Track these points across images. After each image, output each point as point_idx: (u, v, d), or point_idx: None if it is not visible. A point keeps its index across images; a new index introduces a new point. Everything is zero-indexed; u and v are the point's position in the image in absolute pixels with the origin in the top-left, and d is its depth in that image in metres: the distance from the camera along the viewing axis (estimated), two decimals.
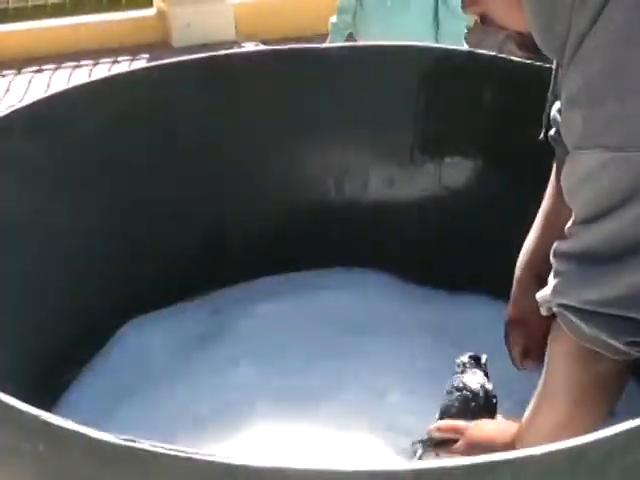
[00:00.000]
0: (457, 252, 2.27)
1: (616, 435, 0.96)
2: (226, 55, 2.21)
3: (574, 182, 1.27)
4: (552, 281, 1.32)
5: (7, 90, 5.79)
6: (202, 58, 2.16)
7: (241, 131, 2.24)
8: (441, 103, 2.21)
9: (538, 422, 1.45)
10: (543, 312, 1.37)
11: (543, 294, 1.36)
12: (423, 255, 2.30)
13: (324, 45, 2.26)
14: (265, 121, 2.25)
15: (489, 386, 1.73)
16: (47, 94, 1.97)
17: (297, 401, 1.93)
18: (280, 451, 1.78)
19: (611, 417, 1.37)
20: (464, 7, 1.43)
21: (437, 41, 3.79)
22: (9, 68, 6.03)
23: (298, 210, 2.35)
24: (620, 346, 1.26)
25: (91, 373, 2.04)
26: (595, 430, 1.25)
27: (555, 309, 1.33)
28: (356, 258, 2.36)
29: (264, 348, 2.11)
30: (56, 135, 1.93)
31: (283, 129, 2.26)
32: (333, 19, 4.11)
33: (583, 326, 1.28)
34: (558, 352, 1.40)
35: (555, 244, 1.31)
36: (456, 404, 1.71)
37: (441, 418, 1.70)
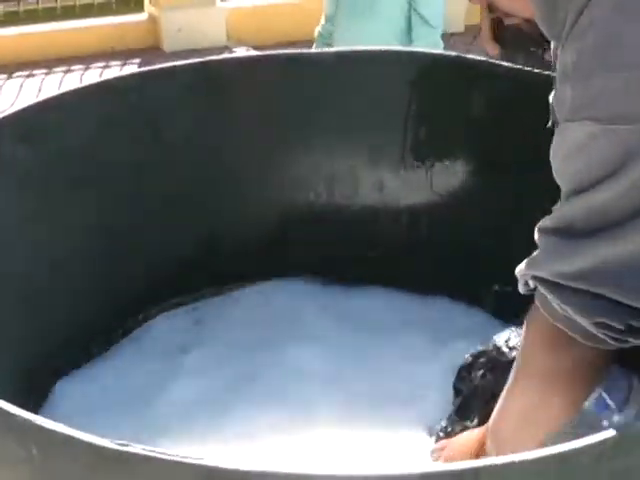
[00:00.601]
0: (448, 257, 2.28)
1: (604, 440, 0.97)
2: (219, 60, 2.22)
3: (563, 154, 1.27)
4: (532, 255, 1.32)
5: None
6: (194, 63, 2.16)
7: (232, 136, 2.24)
8: (432, 107, 2.21)
9: (508, 405, 1.44)
10: (520, 288, 1.37)
11: (521, 267, 1.35)
12: (414, 260, 2.31)
13: (315, 50, 2.26)
14: (255, 126, 2.25)
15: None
16: (38, 99, 1.97)
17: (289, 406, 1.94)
18: (277, 455, 1.79)
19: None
20: None
21: None
22: (0, 73, 6.04)
23: (288, 215, 2.35)
24: (588, 327, 1.26)
25: (79, 377, 2.05)
26: (563, 418, 1.30)
27: (530, 281, 1.33)
28: (347, 263, 2.37)
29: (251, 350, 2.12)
30: (47, 140, 1.93)
31: (274, 134, 2.27)
32: (319, 28, 4.12)
33: (554, 301, 1.28)
34: (533, 333, 1.39)
35: (540, 222, 1.32)
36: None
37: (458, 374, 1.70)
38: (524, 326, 1.42)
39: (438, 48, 3.80)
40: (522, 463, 0.95)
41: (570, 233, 1.25)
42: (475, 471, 0.94)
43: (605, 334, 1.26)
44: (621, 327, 1.24)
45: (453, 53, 2.26)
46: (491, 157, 2.17)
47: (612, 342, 1.27)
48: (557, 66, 1.30)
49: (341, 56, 2.24)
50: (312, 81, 2.23)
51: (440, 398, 1.93)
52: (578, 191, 1.24)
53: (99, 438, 1.03)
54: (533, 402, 1.38)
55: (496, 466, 0.95)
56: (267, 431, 1.85)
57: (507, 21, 1.46)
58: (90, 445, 1.03)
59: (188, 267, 2.27)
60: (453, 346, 2.04)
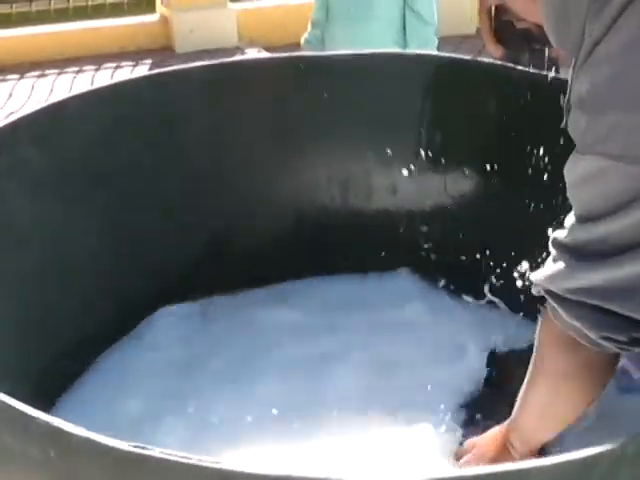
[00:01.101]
0: (461, 260, 2.28)
1: (625, 444, 0.97)
2: (234, 62, 2.23)
3: (574, 180, 1.29)
4: (547, 265, 1.37)
5: (10, 95, 5.80)
6: (209, 65, 2.17)
7: (245, 139, 2.25)
8: (446, 111, 2.22)
9: (528, 402, 1.53)
10: (534, 291, 1.41)
11: (536, 276, 1.40)
12: (428, 263, 2.31)
13: (331, 53, 2.27)
14: (270, 128, 2.26)
15: None
16: (52, 102, 1.98)
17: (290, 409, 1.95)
18: (288, 460, 1.79)
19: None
20: None
21: (405, 48, 3.76)
22: (12, 73, 6.06)
23: (302, 218, 2.36)
24: (594, 338, 1.31)
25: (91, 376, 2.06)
26: (579, 413, 1.38)
27: (543, 293, 1.38)
28: (360, 266, 2.37)
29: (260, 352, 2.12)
30: (62, 141, 1.94)
31: (289, 136, 2.27)
32: (305, 35, 4.09)
33: (564, 314, 1.34)
34: (545, 335, 1.46)
35: (554, 233, 1.35)
36: None
37: None
38: (537, 327, 1.47)
39: (431, 45, 3.79)
40: (540, 469, 0.95)
41: (582, 254, 1.30)
42: (494, 476, 0.94)
43: (610, 344, 1.31)
44: (625, 339, 1.29)
45: (467, 57, 2.27)
46: (505, 160, 2.17)
47: (616, 349, 1.32)
48: (572, 87, 1.30)
49: (357, 59, 2.25)
50: (328, 84, 2.23)
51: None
52: (588, 219, 1.28)
53: (116, 441, 1.03)
54: (549, 399, 1.47)
55: (512, 472, 0.96)
56: (278, 434, 1.85)
57: (519, 25, 1.48)
58: (107, 448, 1.03)
59: (201, 267, 2.27)
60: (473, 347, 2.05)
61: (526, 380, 1.53)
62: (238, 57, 2.21)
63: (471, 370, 2.03)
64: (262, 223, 2.33)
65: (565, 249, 1.33)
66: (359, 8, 3.80)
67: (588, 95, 1.25)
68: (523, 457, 1.54)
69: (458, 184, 2.29)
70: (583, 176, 1.27)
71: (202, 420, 1.90)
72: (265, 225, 2.34)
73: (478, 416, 1.91)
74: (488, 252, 2.19)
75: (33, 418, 1.08)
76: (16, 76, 6.02)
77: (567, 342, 1.39)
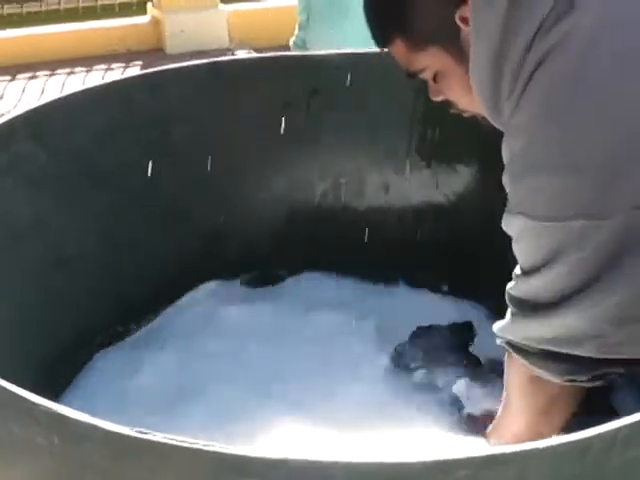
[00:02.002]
0: (454, 258, 2.30)
1: (618, 429, 0.99)
2: (228, 61, 2.25)
3: (512, 235, 1.42)
4: (506, 316, 1.49)
5: (1, 97, 5.80)
6: (204, 64, 2.19)
7: (238, 137, 2.27)
8: (438, 109, 2.23)
9: (501, 433, 1.61)
10: (497, 342, 1.52)
11: (496, 327, 1.51)
12: (421, 261, 2.33)
13: (324, 52, 2.29)
14: (262, 127, 2.28)
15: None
16: (49, 100, 2.00)
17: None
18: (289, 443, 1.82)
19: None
20: (431, 96, 1.62)
21: None
22: (3, 74, 6.05)
23: (295, 216, 2.38)
24: (560, 382, 1.44)
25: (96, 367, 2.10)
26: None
27: (503, 344, 1.50)
28: (353, 264, 2.39)
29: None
30: (60, 139, 1.96)
31: (280, 135, 2.29)
32: (293, 38, 4.11)
33: (526, 363, 1.46)
34: (514, 373, 1.54)
35: (508, 286, 1.47)
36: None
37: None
38: (505, 366, 1.57)
39: None
40: (534, 451, 0.97)
41: (527, 305, 1.42)
42: (488, 459, 0.97)
43: (573, 383, 1.43)
44: (587, 378, 1.41)
45: None
46: (496, 157, 2.19)
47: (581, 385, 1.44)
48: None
49: (349, 57, 2.27)
50: (320, 82, 2.25)
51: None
52: (526, 272, 1.41)
53: (120, 426, 1.05)
54: (524, 432, 1.55)
55: (508, 455, 0.98)
56: (284, 428, 1.89)
57: (465, 115, 1.61)
58: (111, 434, 1.05)
59: (195, 264, 2.29)
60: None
61: (501, 407, 1.62)
62: (231, 57, 2.22)
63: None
64: (255, 223, 2.35)
65: (515, 301, 1.45)
66: (335, 8, 3.82)
67: (509, 163, 1.39)
68: None
69: (451, 182, 2.31)
70: (516, 233, 1.40)
71: (204, 406, 1.93)
72: (258, 223, 2.35)
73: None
74: (480, 249, 2.21)
75: (37, 405, 1.10)
76: (7, 77, 6.02)
77: (534, 380, 1.49)
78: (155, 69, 2.22)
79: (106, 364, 2.13)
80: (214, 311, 2.30)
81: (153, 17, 6.57)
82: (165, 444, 1.02)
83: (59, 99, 2.02)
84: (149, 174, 2.16)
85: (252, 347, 2.16)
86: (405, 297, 2.35)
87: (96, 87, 2.10)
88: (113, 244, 2.13)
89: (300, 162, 2.35)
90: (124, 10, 6.78)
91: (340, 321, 2.25)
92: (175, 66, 2.20)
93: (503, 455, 0.96)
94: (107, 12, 6.75)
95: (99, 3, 6.78)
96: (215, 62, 2.24)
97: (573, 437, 0.96)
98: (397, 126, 2.29)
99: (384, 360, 2.09)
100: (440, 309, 2.28)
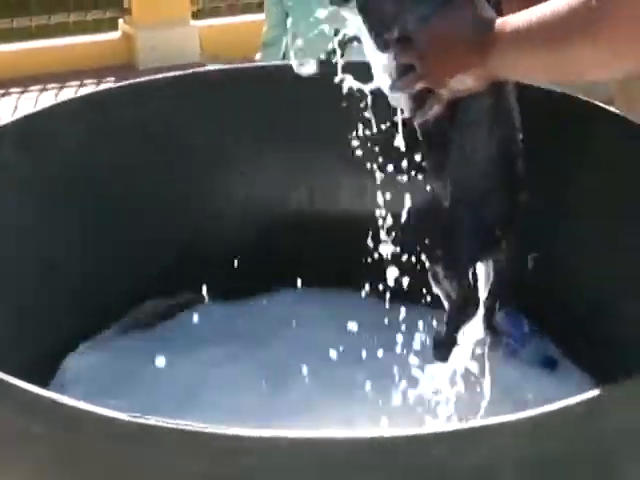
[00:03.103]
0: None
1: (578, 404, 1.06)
2: (205, 71, 2.30)
3: None
4: None
5: None
6: (181, 74, 2.25)
7: (213, 146, 2.31)
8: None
9: (543, 26, 1.32)
10: None
11: None
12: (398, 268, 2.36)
13: (292, 62, 2.34)
14: (237, 136, 2.32)
15: None
16: (32, 110, 2.05)
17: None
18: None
19: None
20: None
21: None
22: None
23: (268, 224, 2.41)
24: None
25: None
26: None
27: None
28: (329, 271, 2.42)
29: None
30: (45, 147, 2.01)
31: (255, 143, 2.34)
32: (262, 39, 4.16)
33: None
34: None
35: None
36: None
37: None
38: None
39: None
40: (499, 426, 1.03)
41: None
42: (472, 432, 1.03)
43: None
44: None
45: None
46: None
47: None
48: None
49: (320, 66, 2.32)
50: (293, 89, 2.30)
51: None
52: None
53: (115, 412, 1.10)
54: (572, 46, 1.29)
55: (493, 426, 1.04)
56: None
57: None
58: (107, 419, 1.10)
59: (169, 272, 2.32)
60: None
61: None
62: (211, 66, 2.27)
63: None
64: (229, 232, 2.38)
65: None
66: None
67: None
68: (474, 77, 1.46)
69: (426, 187, 2.34)
70: None
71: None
72: (234, 231, 2.39)
73: None
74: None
75: (30, 392, 1.14)
76: None
77: None
78: (137, 80, 2.27)
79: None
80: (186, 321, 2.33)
81: (124, 33, 6.62)
82: (159, 427, 1.07)
83: (44, 109, 2.07)
84: (128, 182, 2.21)
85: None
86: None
87: (79, 98, 2.16)
88: (93, 251, 2.16)
89: (275, 170, 2.38)
90: (95, 26, 6.81)
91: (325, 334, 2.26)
92: (158, 76, 2.26)
93: (473, 429, 1.01)
94: (79, 28, 6.78)
95: (71, 19, 6.80)
96: (194, 72, 2.29)
97: (555, 406, 1.02)
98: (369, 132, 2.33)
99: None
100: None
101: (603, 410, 1.06)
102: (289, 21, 3.96)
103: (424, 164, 1.85)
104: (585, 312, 1.94)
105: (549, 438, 1.04)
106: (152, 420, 1.08)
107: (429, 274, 1.68)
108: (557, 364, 1.99)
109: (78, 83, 6.24)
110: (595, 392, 1.05)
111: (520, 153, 1.65)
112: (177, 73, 2.26)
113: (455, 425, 1.03)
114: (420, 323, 2.16)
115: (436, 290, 1.68)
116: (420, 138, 1.68)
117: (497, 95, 1.58)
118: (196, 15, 6.84)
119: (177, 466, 1.11)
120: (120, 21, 6.69)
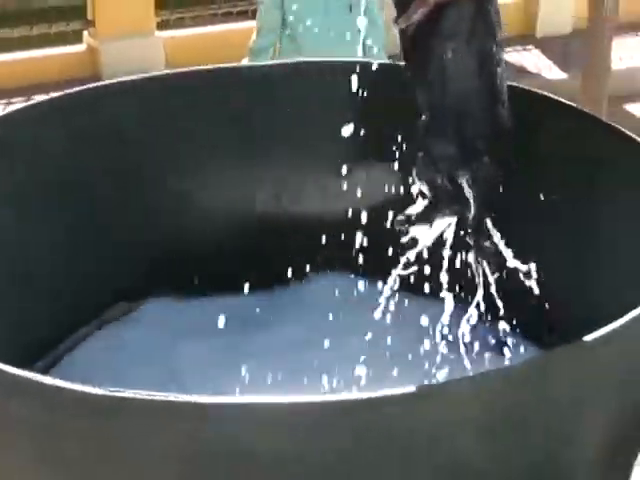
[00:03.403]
0: (397, 259, 2.36)
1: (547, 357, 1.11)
2: (181, 72, 2.33)
3: None
4: None
5: None
6: (156, 75, 2.29)
7: (180, 148, 2.34)
8: (373, 115, 2.32)
9: None
10: None
11: None
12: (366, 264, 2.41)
13: (261, 63, 2.39)
14: (204, 137, 2.36)
15: None
16: (8, 111, 2.07)
17: None
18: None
19: None
20: None
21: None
22: None
23: (235, 225, 2.44)
24: None
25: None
26: None
27: None
28: (298, 270, 2.45)
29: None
30: (22, 149, 2.06)
31: (221, 145, 2.37)
32: (250, 44, 4.17)
33: None
34: None
35: None
36: None
37: None
38: None
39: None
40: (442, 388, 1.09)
41: None
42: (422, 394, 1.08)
43: None
44: None
45: (388, 62, 2.38)
46: None
47: None
48: None
49: (293, 69, 2.36)
50: (259, 93, 2.34)
51: None
52: None
53: (94, 388, 1.14)
54: None
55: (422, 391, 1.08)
56: None
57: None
58: (85, 394, 1.13)
59: (145, 271, 2.35)
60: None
61: None
62: (187, 68, 2.30)
63: None
64: (197, 233, 2.42)
65: None
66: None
67: None
68: None
69: (391, 184, 2.38)
70: None
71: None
72: (199, 235, 2.43)
73: None
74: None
75: (9, 374, 1.18)
76: None
77: None
78: (113, 80, 2.32)
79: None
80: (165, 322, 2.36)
81: (89, 45, 6.64)
82: (136, 399, 1.11)
83: (18, 110, 2.12)
84: (106, 185, 2.24)
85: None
86: None
87: (55, 98, 2.19)
88: (79, 246, 2.20)
89: (241, 172, 2.41)
90: (60, 39, 6.82)
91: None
92: (131, 78, 2.29)
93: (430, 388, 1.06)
94: (42, 41, 6.78)
95: (34, 32, 6.80)
96: (169, 73, 2.33)
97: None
98: (334, 133, 2.37)
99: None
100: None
101: (542, 373, 1.12)
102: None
103: None
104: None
105: (492, 400, 1.10)
106: (128, 392, 1.12)
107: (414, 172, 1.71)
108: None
109: (44, 96, 6.23)
110: (536, 357, 1.11)
111: (500, 66, 1.69)
112: (153, 74, 2.30)
113: (406, 388, 1.07)
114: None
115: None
116: (400, 44, 1.73)
117: (479, 6, 1.64)
118: (161, 26, 6.87)
119: (153, 437, 1.15)
120: (85, 33, 6.71)
